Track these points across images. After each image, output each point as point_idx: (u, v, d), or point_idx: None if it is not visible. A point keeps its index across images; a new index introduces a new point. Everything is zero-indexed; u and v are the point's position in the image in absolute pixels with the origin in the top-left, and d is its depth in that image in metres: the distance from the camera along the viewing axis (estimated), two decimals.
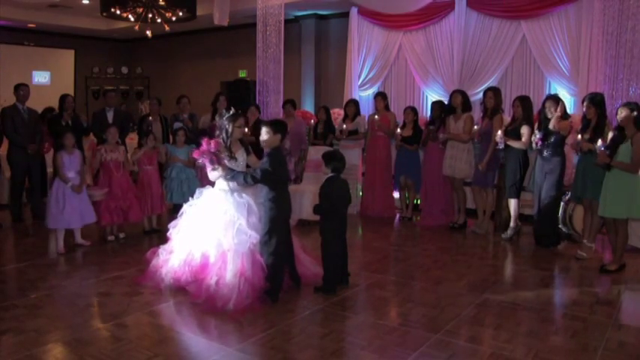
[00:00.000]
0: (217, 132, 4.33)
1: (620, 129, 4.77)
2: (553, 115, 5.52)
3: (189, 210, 4.45)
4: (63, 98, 7.40)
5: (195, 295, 4.09)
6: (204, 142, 4.15)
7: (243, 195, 4.27)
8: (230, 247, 4.07)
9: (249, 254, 4.09)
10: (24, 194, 7.34)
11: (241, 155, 4.34)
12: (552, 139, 5.50)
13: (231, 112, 4.32)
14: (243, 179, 4.11)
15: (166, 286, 4.33)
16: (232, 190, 4.28)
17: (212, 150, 4.11)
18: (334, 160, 4.36)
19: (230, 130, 4.24)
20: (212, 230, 4.20)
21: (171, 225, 4.56)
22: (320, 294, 4.27)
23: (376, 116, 7.31)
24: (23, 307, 4.00)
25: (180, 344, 3.47)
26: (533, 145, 5.67)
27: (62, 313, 3.95)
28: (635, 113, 4.63)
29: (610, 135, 4.96)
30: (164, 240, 4.64)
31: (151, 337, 3.52)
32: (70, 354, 3.30)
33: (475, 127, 6.37)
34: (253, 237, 4.13)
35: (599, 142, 4.81)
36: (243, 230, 4.12)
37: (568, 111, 7.09)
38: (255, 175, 4.05)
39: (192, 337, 3.60)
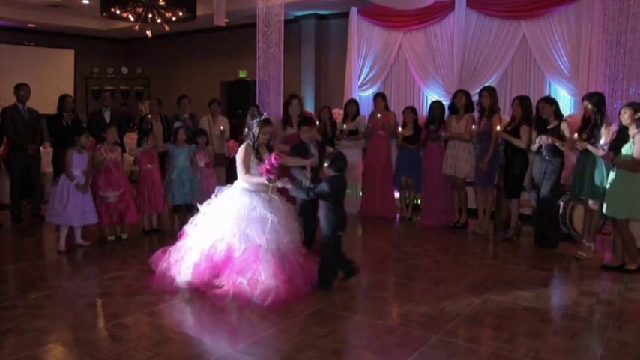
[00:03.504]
0: (245, 132, 4.48)
1: (623, 129, 4.79)
2: (547, 115, 5.56)
3: (207, 208, 4.47)
4: (63, 98, 7.41)
5: (222, 295, 4.03)
6: (268, 160, 4.20)
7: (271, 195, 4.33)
8: (262, 242, 4.11)
9: (281, 252, 4.16)
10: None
11: (267, 158, 4.42)
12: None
13: (261, 118, 4.44)
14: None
15: (181, 284, 4.28)
16: (258, 190, 4.34)
17: (276, 165, 4.20)
18: (338, 160, 4.39)
19: (256, 134, 4.39)
20: (237, 225, 4.21)
21: (188, 224, 4.55)
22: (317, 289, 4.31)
23: (379, 115, 7.31)
24: (23, 307, 4.01)
25: (180, 344, 3.46)
26: (534, 146, 5.67)
27: (62, 313, 3.95)
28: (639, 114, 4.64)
29: (611, 134, 4.98)
30: (164, 240, 4.63)
31: (151, 337, 3.52)
32: (70, 354, 3.30)
33: (473, 127, 6.38)
34: (285, 235, 4.20)
35: (602, 141, 4.81)
36: (275, 228, 4.19)
37: (568, 111, 7.14)
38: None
39: (192, 337, 3.60)
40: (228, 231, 4.25)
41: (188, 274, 4.28)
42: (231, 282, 4.09)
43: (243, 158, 4.37)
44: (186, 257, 4.35)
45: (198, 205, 4.59)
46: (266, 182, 4.23)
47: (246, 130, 4.51)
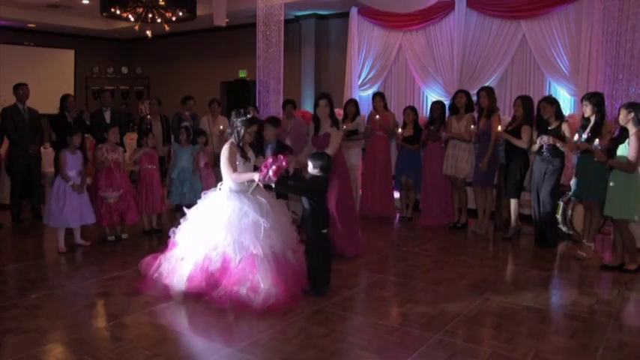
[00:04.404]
0: (229, 130, 4.41)
1: (622, 129, 4.81)
2: (549, 116, 5.57)
3: (195, 214, 4.36)
4: (64, 98, 7.43)
5: (220, 302, 3.95)
6: (277, 163, 4.00)
7: (258, 196, 4.25)
8: (257, 250, 4.03)
9: (276, 257, 4.11)
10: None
11: (252, 156, 4.41)
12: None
13: (247, 117, 4.35)
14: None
15: (177, 294, 4.17)
16: (245, 191, 4.26)
17: (286, 167, 4.06)
18: (319, 160, 4.30)
19: (242, 133, 4.30)
20: (230, 234, 4.11)
21: (173, 231, 4.45)
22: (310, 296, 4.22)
23: (377, 116, 7.31)
24: (23, 307, 4.00)
25: (180, 344, 3.47)
26: (535, 146, 5.67)
27: (62, 313, 3.94)
28: (633, 114, 4.66)
29: (607, 134, 5.01)
30: (164, 240, 4.60)
31: (151, 337, 3.51)
32: (70, 354, 3.30)
33: (472, 127, 6.38)
34: (278, 239, 4.15)
35: (596, 141, 4.84)
36: (268, 233, 4.11)
37: (568, 111, 7.15)
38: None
39: (192, 337, 3.61)
40: (222, 240, 4.13)
41: (183, 285, 4.16)
42: (228, 293, 3.99)
43: (229, 157, 4.24)
44: (179, 269, 4.23)
45: (185, 210, 4.46)
46: (254, 179, 4.10)
47: (230, 128, 4.39)
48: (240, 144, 4.32)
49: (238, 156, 4.28)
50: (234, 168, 4.25)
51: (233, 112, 4.45)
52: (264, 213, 4.17)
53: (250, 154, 4.38)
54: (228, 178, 4.30)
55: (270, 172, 3.95)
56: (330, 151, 5.11)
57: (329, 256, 4.36)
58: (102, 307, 4.12)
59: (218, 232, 4.16)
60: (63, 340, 3.49)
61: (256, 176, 4.08)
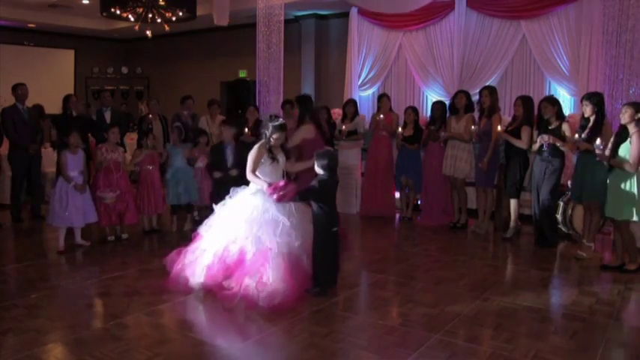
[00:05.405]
0: (261, 129, 4.61)
1: (623, 128, 4.80)
2: (549, 116, 5.57)
3: (222, 209, 4.50)
4: (67, 98, 7.44)
5: (231, 297, 3.99)
6: (282, 190, 4.21)
7: None
8: (272, 245, 4.12)
9: (291, 256, 4.15)
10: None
11: (281, 157, 4.55)
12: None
13: (278, 122, 4.49)
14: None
15: (195, 286, 4.25)
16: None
17: (288, 200, 4.25)
18: (324, 159, 4.29)
19: (268, 136, 4.46)
20: (250, 228, 4.23)
21: (202, 226, 4.56)
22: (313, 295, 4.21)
23: (381, 116, 7.32)
24: (23, 307, 4.00)
25: (180, 344, 3.46)
26: (535, 146, 5.67)
27: (62, 313, 3.95)
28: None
29: (609, 134, 5.00)
30: (164, 240, 4.61)
31: (151, 337, 3.52)
32: (70, 354, 3.30)
33: (473, 127, 6.38)
34: (296, 239, 4.20)
35: (598, 141, 4.84)
36: (287, 231, 4.20)
37: (568, 111, 7.15)
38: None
39: (192, 337, 3.60)
40: (242, 233, 4.27)
41: (201, 276, 4.28)
42: (239, 284, 4.06)
43: (254, 157, 4.44)
44: (200, 259, 4.36)
45: (214, 206, 4.61)
46: (264, 190, 4.31)
47: (261, 129, 4.59)
48: (268, 146, 4.49)
49: (266, 157, 4.45)
50: (254, 167, 4.43)
51: (268, 116, 4.68)
52: (287, 212, 4.30)
53: (280, 156, 4.54)
54: (247, 174, 4.48)
55: (274, 196, 4.20)
56: (289, 142, 5.11)
57: (337, 254, 4.38)
58: (102, 307, 4.12)
59: (239, 226, 4.30)
60: (63, 340, 3.49)
61: (265, 188, 4.29)
